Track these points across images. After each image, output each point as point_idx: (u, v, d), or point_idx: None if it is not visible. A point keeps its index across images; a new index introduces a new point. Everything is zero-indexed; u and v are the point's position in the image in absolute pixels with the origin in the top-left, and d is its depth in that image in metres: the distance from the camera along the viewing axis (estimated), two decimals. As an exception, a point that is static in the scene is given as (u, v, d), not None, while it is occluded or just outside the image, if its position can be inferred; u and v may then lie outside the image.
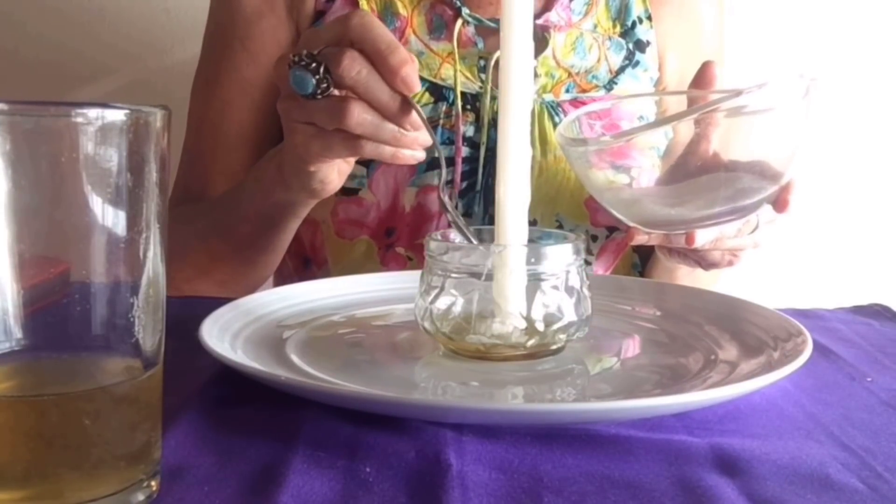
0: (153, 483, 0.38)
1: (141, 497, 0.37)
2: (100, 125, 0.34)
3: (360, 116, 0.58)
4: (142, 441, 0.37)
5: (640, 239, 0.68)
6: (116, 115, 0.34)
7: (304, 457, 0.42)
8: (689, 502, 0.38)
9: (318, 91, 0.59)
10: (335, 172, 0.68)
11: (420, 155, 0.62)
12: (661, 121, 0.66)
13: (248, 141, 0.91)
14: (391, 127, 0.59)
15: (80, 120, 0.34)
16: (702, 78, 0.69)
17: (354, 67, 0.57)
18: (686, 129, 0.65)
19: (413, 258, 0.85)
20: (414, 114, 0.59)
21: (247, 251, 0.83)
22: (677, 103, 0.81)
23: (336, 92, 0.60)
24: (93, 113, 0.34)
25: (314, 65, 0.58)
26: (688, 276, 0.85)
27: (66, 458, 0.35)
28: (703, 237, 0.66)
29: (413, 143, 0.61)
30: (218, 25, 0.91)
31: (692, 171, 0.65)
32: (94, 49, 1.26)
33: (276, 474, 0.40)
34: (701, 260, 0.75)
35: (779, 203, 0.64)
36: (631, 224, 0.67)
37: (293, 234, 0.83)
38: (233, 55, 0.89)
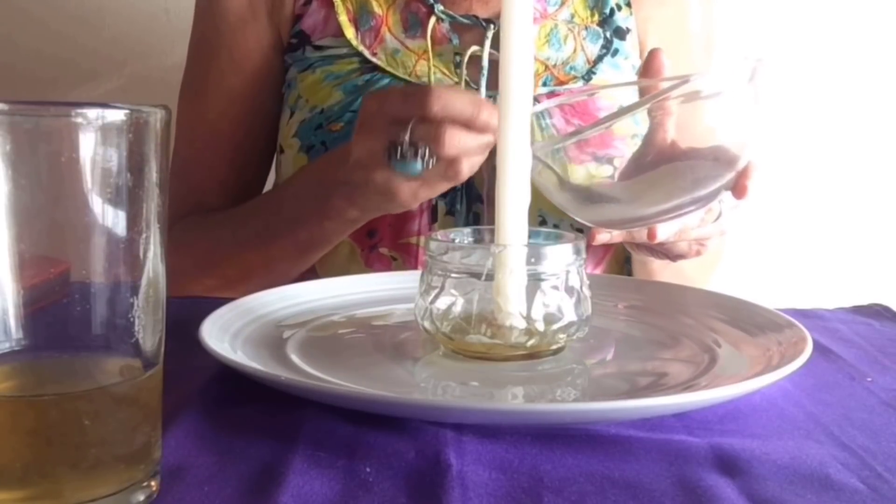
0: (153, 483, 0.38)
1: (141, 497, 0.37)
2: (100, 125, 0.34)
3: (469, 168, 0.64)
4: (142, 441, 0.37)
5: (602, 238, 0.68)
6: (116, 115, 0.34)
7: (304, 457, 0.42)
8: (689, 502, 0.38)
9: (427, 166, 0.63)
10: None
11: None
12: (611, 116, 0.65)
13: (240, 149, 0.91)
14: (487, 145, 0.64)
15: (80, 120, 0.34)
16: (650, 66, 0.68)
17: (457, 143, 0.62)
18: (688, 109, 0.64)
19: (398, 258, 0.84)
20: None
21: (283, 264, 0.83)
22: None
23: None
24: (93, 113, 0.34)
25: (415, 151, 0.63)
26: (665, 270, 0.84)
27: (66, 458, 0.35)
28: (664, 231, 0.66)
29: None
30: (203, 34, 0.91)
31: (651, 162, 0.64)
32: (94, 49, 1.26)
33: (276, 474, 0.40)
34: (668, 252, 0.75)
35: (737, 189, 0.63)
36: (589, 225, 0.66)
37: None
38: (219, 65, 0.89)
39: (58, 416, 0.35)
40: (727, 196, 0.64)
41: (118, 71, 1.27)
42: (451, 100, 0.61)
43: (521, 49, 0.55)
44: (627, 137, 0.68)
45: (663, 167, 0.64)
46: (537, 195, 0.81)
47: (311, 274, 0.89)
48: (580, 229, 0.85)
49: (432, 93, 0.61)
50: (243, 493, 0.38)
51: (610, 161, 0.68)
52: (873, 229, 1.39)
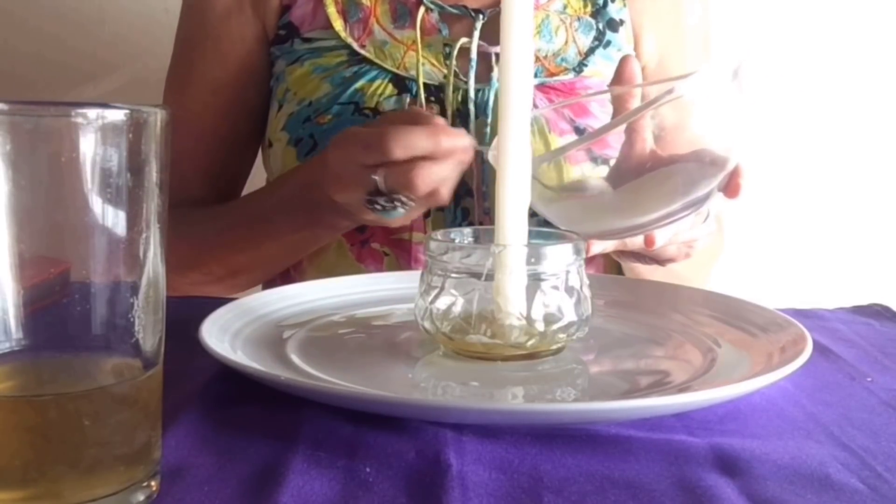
0: (153, 483, 0.38)
1: (141, 497, 0.37)
2: (100, 125, 0.34)
3: (448, 190, 0.67)
4: (142, 441, 0.37)
5: (596, 249, 0.67)
6: (116, 115, 0.34)
7: (304, 457, 0.42)
8: (689, 502, 0.38)
9: (408, 207, 0.66)
10: None
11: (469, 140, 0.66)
12: (601, 129, 0.64)
13: (224, 140, 0.91)
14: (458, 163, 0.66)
15: (80, 120, 0.34)
16: (621, 74, 0.67)
17: (429, 183, 0.64)
18: (670, 115, 0.63)
19: (390, 253, 0.84)
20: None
21: (270, 265, 0.85)
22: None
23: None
24: (93, 113, 0.34)
25: (393, 201, 0.65)
26: (654, 273, 0.84)
27: (66, 458, 0.35)
28: (662, 236, 0.66)
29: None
30: (189, 25, 0.92)
31: (632, 171, 0.63)
32: (94, 49, 1.26)
33: (276, 474, 0.40)
34: (657, 257, 0.74)
35: (730, 188, 0.62)
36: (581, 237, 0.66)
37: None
38: (204, 56, 0.89)
39: (57, 416, 0.35)
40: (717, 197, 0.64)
41: (118, 71, 1.27)
42: (411, 139, 0.63)
43: (522, 47, 0.55)
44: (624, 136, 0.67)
45: (650, 174, 0.63)
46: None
47: (299, 271, 0.89)
48: None
49: (391, 139, 0.63)
50: (243, 493, 0.38)
51: (606, 161, 0.67)
52: (873, 229, 1.39)
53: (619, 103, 0.68)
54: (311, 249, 0.84)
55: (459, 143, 0.64)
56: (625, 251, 0.73)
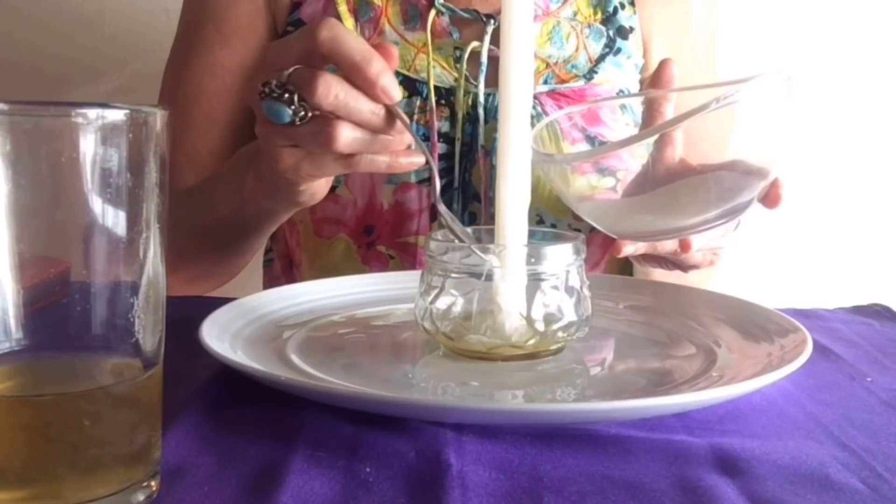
0: (153, 483, 0.38)
1: (141, 497, 0.37)
2: (100, 125, 0.34)
3: (348, 137, 0.55)
4: (142, 441, 0.37)
5: (628, 250, 0.66)
6: (116, 115, 0.35)
7: (304, 457, 0.42)
8: (689, 502, 0.38)
9: (297, 119, 0.55)
10: (324, 183, 0.65)
11: (418, 160, 0.59)
12: (650, 130, 0.63)
13: (217, 125, 0.88)
14: (382, 138, 0.57)
15: (80, 120, 0.34)
16: (660, 77, 0.67)
17: (331, 92, 0.54)
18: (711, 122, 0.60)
19: (395, 256, 0.84)
20: (398, 122, 0.56)
21: (218, 251, 0.82)
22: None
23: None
24: (93, 113, 0.34)
25: (287, 94, 0.55)
26: (667, 277, 0.84)
27: (66, 458, 0.35)
28: (698, 242, 0.65)
29: (403, 147, 0.58)
30: (192, 9, 0.90)
31: (660, 179, 0.63)
32: (95, 49, 1.26)
33: (276, 474, 0.40)
34: (681, 263, 0.74)
35: (769, 199, 0.62)
36: (614, 237, 0.65)
37: (269, 234, 0.82)
38: (205, 38, 0.87)
39: (57, 416, 0.35)
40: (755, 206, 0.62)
41: (119, 70, 1.27)
42: (342, 34, 0.54)
43: (522, 48, 0.55)
44: (634, 149, 0.67)
45: (685, 180, 0.62)
46: (534, 193, 0.81)
47: (301, 270, 0.89)
48: (578, 228, 0.85)
49: (324, 23, 0.54)
50: (243, 493, 0.38)
51: (613, 173, 0.67)
52: (873, 229, 1.39)
53: (653, 107, 0.68)
54: (260, 234, 0.79)
55: (389, 89, 0.54)
56: (647, 255, 0.73)
